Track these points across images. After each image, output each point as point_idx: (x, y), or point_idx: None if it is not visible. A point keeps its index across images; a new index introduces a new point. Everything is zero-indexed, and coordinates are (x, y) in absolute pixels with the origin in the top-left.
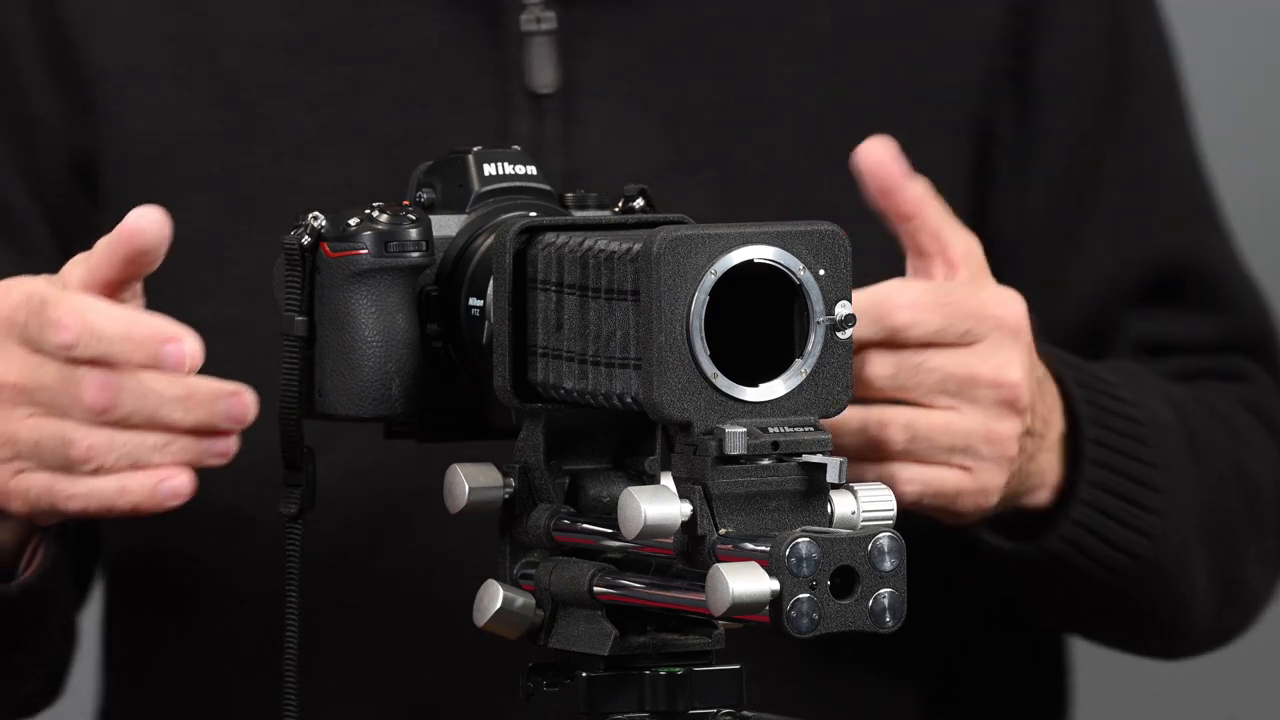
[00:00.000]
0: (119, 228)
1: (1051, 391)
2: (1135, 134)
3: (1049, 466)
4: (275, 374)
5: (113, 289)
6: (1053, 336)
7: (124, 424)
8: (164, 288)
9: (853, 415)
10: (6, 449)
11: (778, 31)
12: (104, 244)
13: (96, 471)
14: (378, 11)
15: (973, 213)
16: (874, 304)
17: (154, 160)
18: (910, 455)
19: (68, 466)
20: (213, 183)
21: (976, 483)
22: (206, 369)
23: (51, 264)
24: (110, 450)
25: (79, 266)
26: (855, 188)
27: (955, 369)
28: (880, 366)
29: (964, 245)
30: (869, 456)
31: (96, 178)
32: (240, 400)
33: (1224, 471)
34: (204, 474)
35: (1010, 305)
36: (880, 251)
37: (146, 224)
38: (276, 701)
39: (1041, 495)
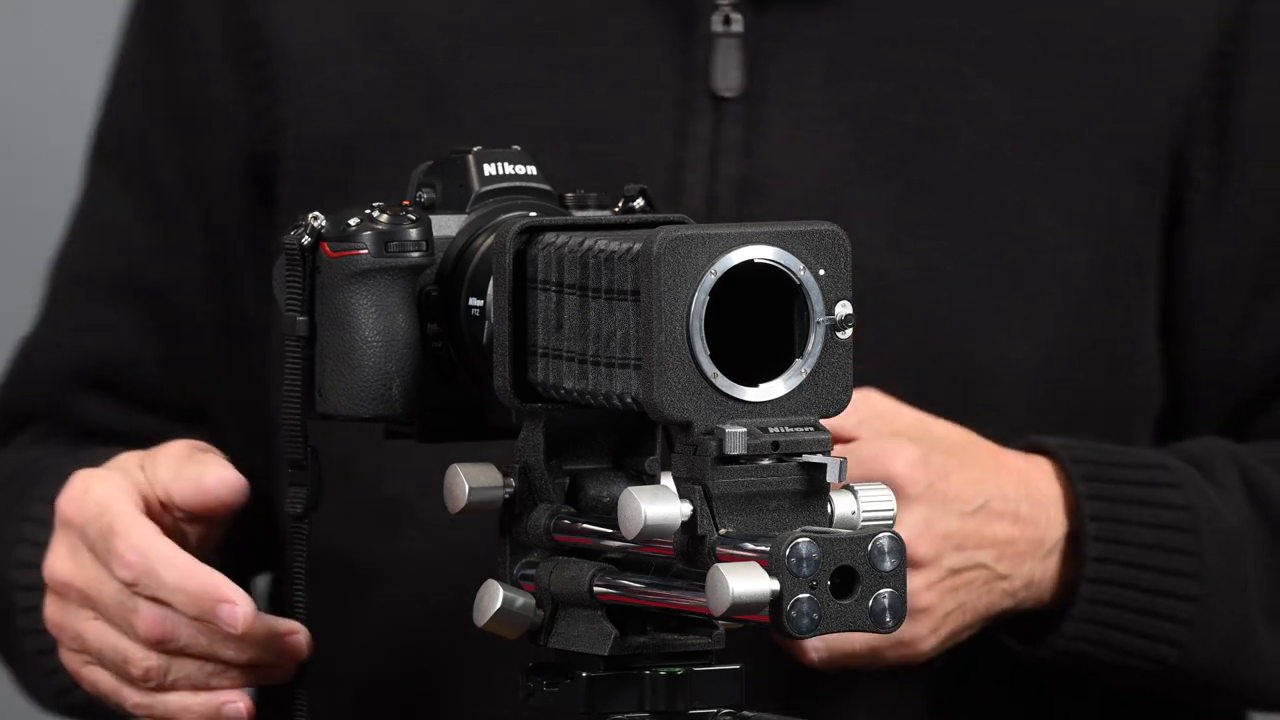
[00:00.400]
0: (198, 487)
1: (1045, 497)
2: None
3: (1041, 574)
4: None
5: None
6: (1231, 385)
7: (181, 653)
8: None
9: None
10: (75, 642)
11: (973, 49)
12: (188, 483)
13: (158, 688)
14: (572, 3)
15: (1161, 253)
16: None
17: (335, 144)
18: None
19: (129, 680)
20: (394, 169)
21: (892, 639)
22: None
23: (195, 248)
24: (167, 673)
25: (170, 468)
26: (1042, 214)
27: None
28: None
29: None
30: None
31: (271, 175)
32: (295, 640)
33: None
34: (365, 469)
35: (888, 461)
36: (1054, 281)
37: (223, 490)
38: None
39: (1039, 602)
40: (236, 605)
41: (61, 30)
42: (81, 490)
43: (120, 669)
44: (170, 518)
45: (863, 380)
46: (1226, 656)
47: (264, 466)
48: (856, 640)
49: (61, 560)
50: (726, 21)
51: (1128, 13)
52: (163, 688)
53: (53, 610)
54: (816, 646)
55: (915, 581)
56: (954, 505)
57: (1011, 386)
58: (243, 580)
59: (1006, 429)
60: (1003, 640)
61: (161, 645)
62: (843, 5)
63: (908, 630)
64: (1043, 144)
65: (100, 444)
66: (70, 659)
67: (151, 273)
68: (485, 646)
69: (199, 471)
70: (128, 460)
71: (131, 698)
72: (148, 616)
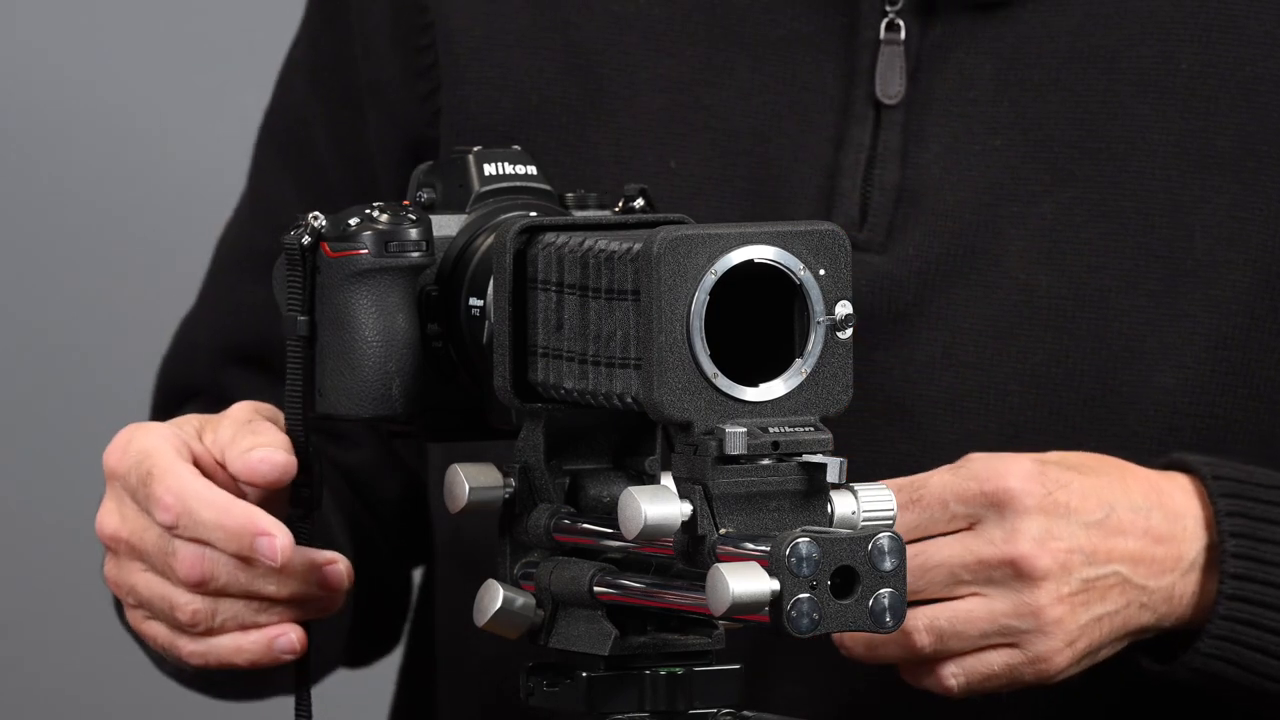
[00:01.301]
0: (245, 461)
1: (1182, 510)
2: None
3: (1182, 590)
4: None
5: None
6: None
7: (222, 593)
8: None
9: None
10: (131, 596)
11: (1137, 69)
12: (238, 452)
13: (208, 632)
14: (737, 2)
15: None
16: None
17: (496, 131)
18: (947, 653)
19: (179, 627)
20: (552, 159)
21: (1027, 655)
22: None
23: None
24: (214, 615)
25: (229, 431)
26: (1199, 242)
27: (958, 557)
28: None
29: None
30: (913, 662)
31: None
32: (335, 570)
33: None
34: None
35: (999, 477)
36: (1211, 307)
37: (264, 468)
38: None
39: (1181, 619)
40: (275, 537)
41: (63, 28)
42: (125, 441)
43: (170, 617)
44: (228, 480)
45: (1004, 396)
46: None
47: (415, 457)
48: (994, 662)
49: (110, 514)
50: (892, 28)
51: None
52: (212, 631)
53: (110, 568)
54: (955, 673)
55: (1042, 595)
56: (1076, 516)
57: (1153, 412)
58: (403, 575)
59: (1145, 454)
60: (1138, 659)
61: (203, 587)
62: (1009, 19)
63: (1042, 645)
64: (1198, 168)
65: None
66: (133, 616)
67: None
68: None
69: (250, 443)
70: (188, 418)
71: (185, 646)
72: (185, 558)
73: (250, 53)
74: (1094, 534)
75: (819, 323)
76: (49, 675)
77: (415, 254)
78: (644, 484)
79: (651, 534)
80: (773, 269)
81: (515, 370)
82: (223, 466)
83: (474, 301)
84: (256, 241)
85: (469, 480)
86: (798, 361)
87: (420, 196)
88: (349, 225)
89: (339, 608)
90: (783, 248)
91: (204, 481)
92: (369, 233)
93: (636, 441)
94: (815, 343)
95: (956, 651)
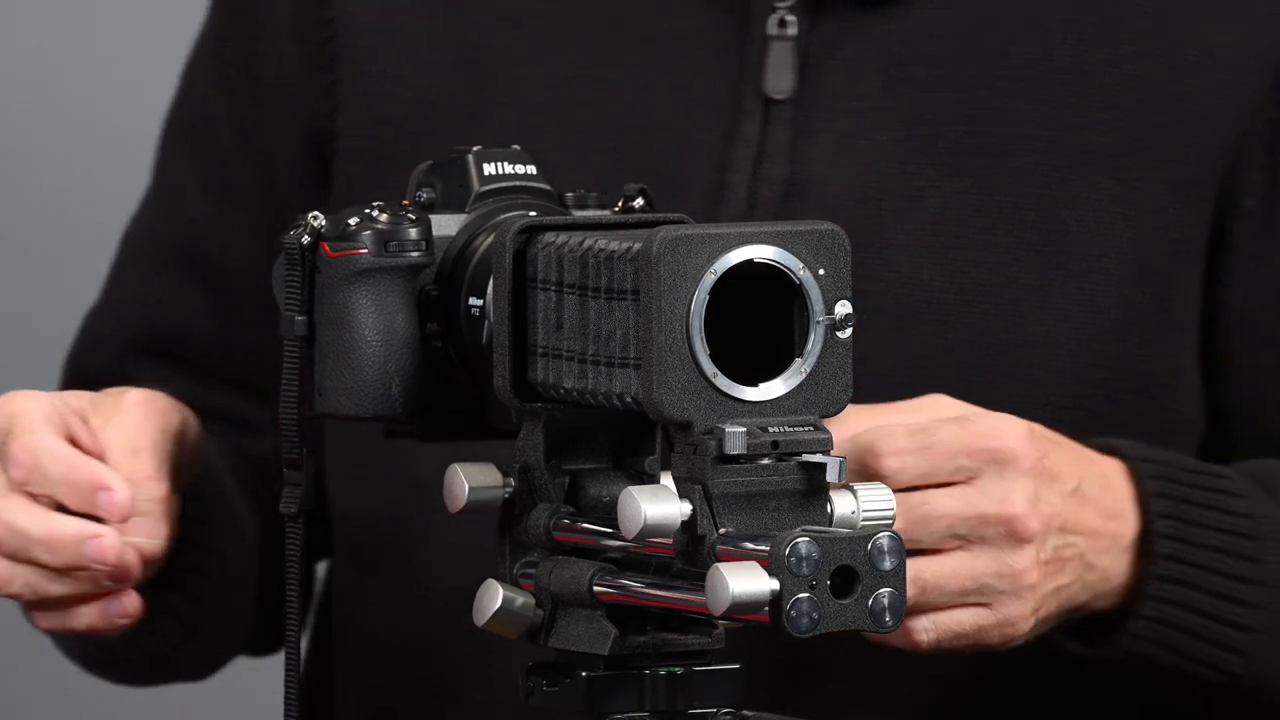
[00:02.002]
0: (92, 475)
1: (1121, 493)
2: None
3: (1116, 571)
4: None
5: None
6: (1274, 418)
7: (14, 558)
8: None
9: None
10: None
11: (1020, 66)
12: (117, 445)
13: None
14: None
15: (1204, 280)
16: (858, 452)
17: (393, 124)
18: (923, 607)
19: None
20: (443, 151)
21: (997, 617)
22: None
23: (256, 223)
24: (11, 582)
25: (118, 429)
26: (1078, 236)
27: (961, 510)
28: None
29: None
30: None
31: (330, 153)
32: (99, 544)
33: None
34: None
35: (1002, 435)
36: (1090, 302)
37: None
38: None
39: (1109, 600)
40: (114, 491)
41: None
42: (2, 403)
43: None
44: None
45: (889, 388)
46: None
47: (317, 449)
48: (965, 620)
49: None
50: (782, 24)
51: (1183, 37)
52: (51, 605)
53: None
54: (926, 628)
55: (1024, 558)
56: (1057, 484)
57: (1033, 404)
58: (308, 565)
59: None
60: (1063, 644)
61: (2, 549)
62: (897, 15)
63: (1014, 608)
64: (1075, 164)
65: None
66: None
67: (212, 245)
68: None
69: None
70: (79, 394)
71: (36, 615)
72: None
73: (160, 44)
74: (1069, 503)
75: (818, 322)
76: (44, 676)
77: (415, 253)
78: (644, 484)
79: (651, 533)
80: (772, 269)
81: (515, 370)
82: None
83: (474, 301)
84: (162, 234)
85: (469, 480)
86: (797, 361)
87: (420, 196)
88: (349, 225)
89: (135, 579)
90: (782, 247)
91: (59, 440)
92: (368, 232)
93: (636, 441)
94: (815, 342)
95: (932, 606)
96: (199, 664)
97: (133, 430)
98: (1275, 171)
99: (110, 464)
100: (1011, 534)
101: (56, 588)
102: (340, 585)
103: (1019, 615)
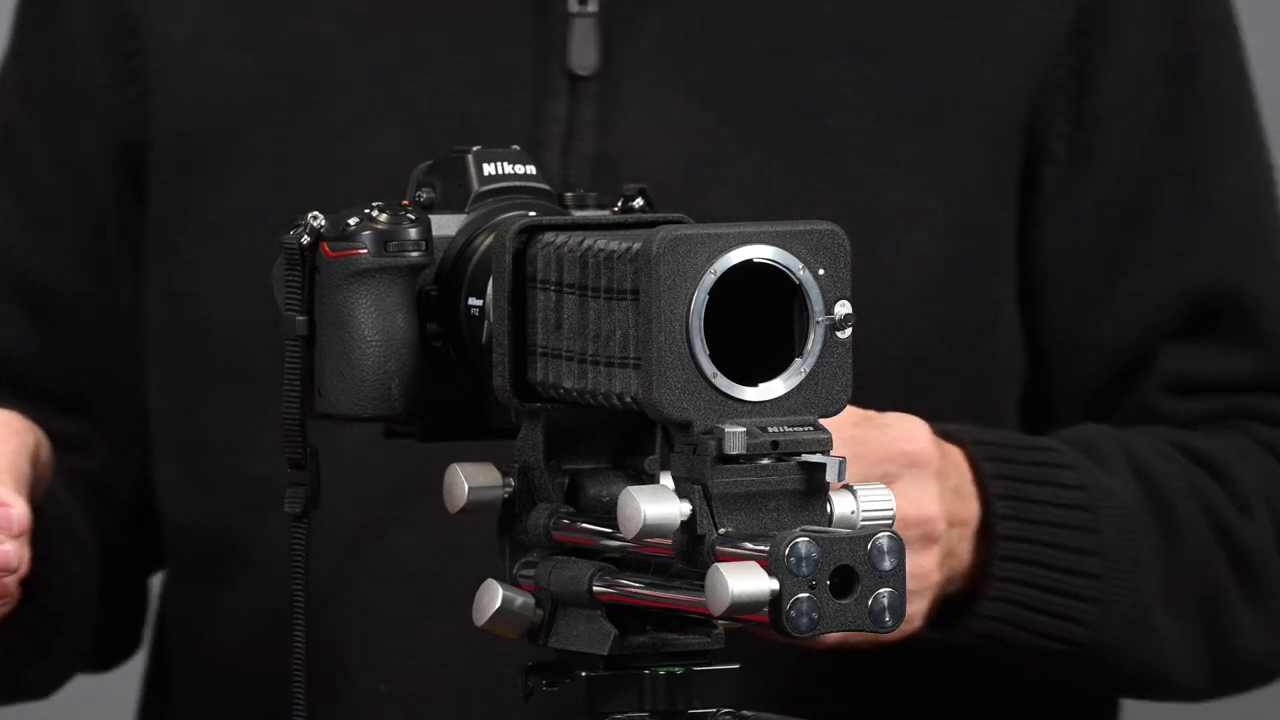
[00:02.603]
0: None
1: (965, 478)
2: (1192, 161)
3: (962, 555)
4: None
5: None
6: (1089, 362)
7: None
8: (211, 258)
9: None
10: None
11: (826, 27)
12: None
13: None
14: None
15: (1018, 227)
16: None
17: (206, 131)
18: None
19: None
20: (263, 154)
21: None
22: (249, 342)
23: (71, 239)
24: None
25: None
26: (895, 192)
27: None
28: None
29: None
30: None
31: (143, 165)
32: (5, 513)
33: (1206, 545)
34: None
35: (916, 438)
36: (911, 256)
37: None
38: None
39: (957, 584)
40: (10, 507)
41: None
42: None
43: None
44: None
45: None
46: (1130, 638)
47: (142, 456)
48: None
49: None
50: (582, 1)
51: None
52: None
53: None
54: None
55: (932, 559)
56: (945, 481)
57: (862, 361)
58: (141, 578)
59: (858, 399)
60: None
61: None
62: None
63: (916, 606)
64: (891, 119)
65: None
66: None
67: (28, 264)
68: (346, 630)
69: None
70: None
71: None
72: None
73: None
74: (952, 501)
75: (818, 322)
76: None
77: (414, 253)
78: (643, 484)
79: (651, 533)
80: (772, 269)
81: (514, 370)
82: None
83: (473, 301)
84: None
85: (468, 480)
86: (797, 361)
87: (419, 196)
88: (348, 225)
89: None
90: (782, 247)
91: None
92: (368, 232)
93: (636, 441)
94: (814, 342)
95: None
96: (45, 681)
97: None
98: (1079, 118)
99: None
100: (925, 535)
101: None
102: (172, 598)
103: (918, 612)
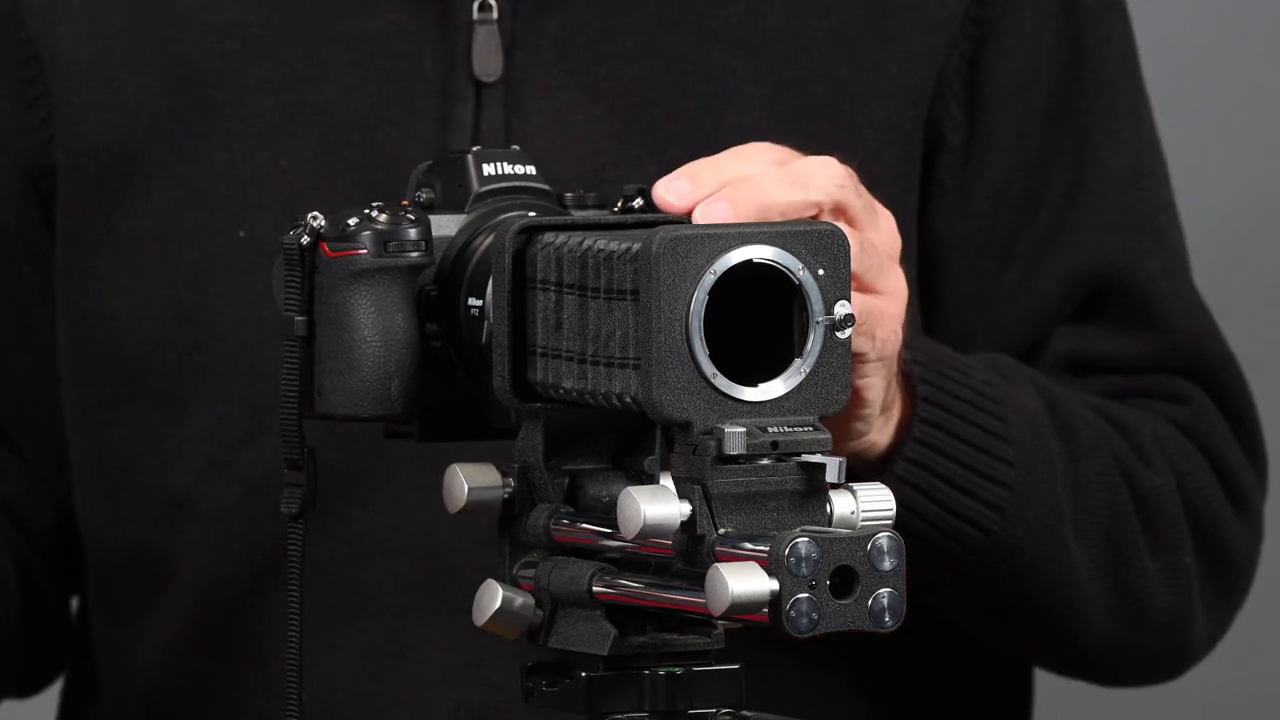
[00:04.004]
0: None
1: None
2: (1081, 145)
3: (882, 435)
4: (232, 361)
5: None
6: (986, 346)
7: None
8: (122, 277)
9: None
10: None
11: (726, 27)
12: None
13: None
14: None
15: (917, 217)
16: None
17: (111, 150)
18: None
19: None
20: (169, 171)
21: (893, 306)
22: (164, 358)
23: None
24: None
25: None
26: None
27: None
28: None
29: None
30: None
31: (49, 189)
32: None
33: (1108, 474)
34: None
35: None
36: None
37: None
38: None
39: (875, 449)
40: None
41: None
42: None
43: None
44: None
45: None
46: (1043, 541)
47: (59, 481)
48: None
49: None
50: (484, 8)
51: None
52: None
53: None
54: None
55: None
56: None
57: None
58: (62, 601)
59: None
60: None
61: None
62: None
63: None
64: (794, 116)
65: None
66: None
67: None
68: (271, 641)
69: None
70: None
71: None
72: None
73: None
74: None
75: (818, 322)
76: None
77: (414, 254)
78: (643, 484)
79: (650, 534)
80: (772, 269)
81: (514, 370)
82: None
83: (473, 301)
84: None
85: (468, 480)
86: (797, 361)
87: (419, 196)
88: (348, 225)
89: None
90: (781, 247)
91: None
92: (368, 233)
93: (636, 441)
94: (814, 342)
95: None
96: None
97: None
98: (972, 106)
99: None
100: (892, 256)
101: None
102: (100, 621)
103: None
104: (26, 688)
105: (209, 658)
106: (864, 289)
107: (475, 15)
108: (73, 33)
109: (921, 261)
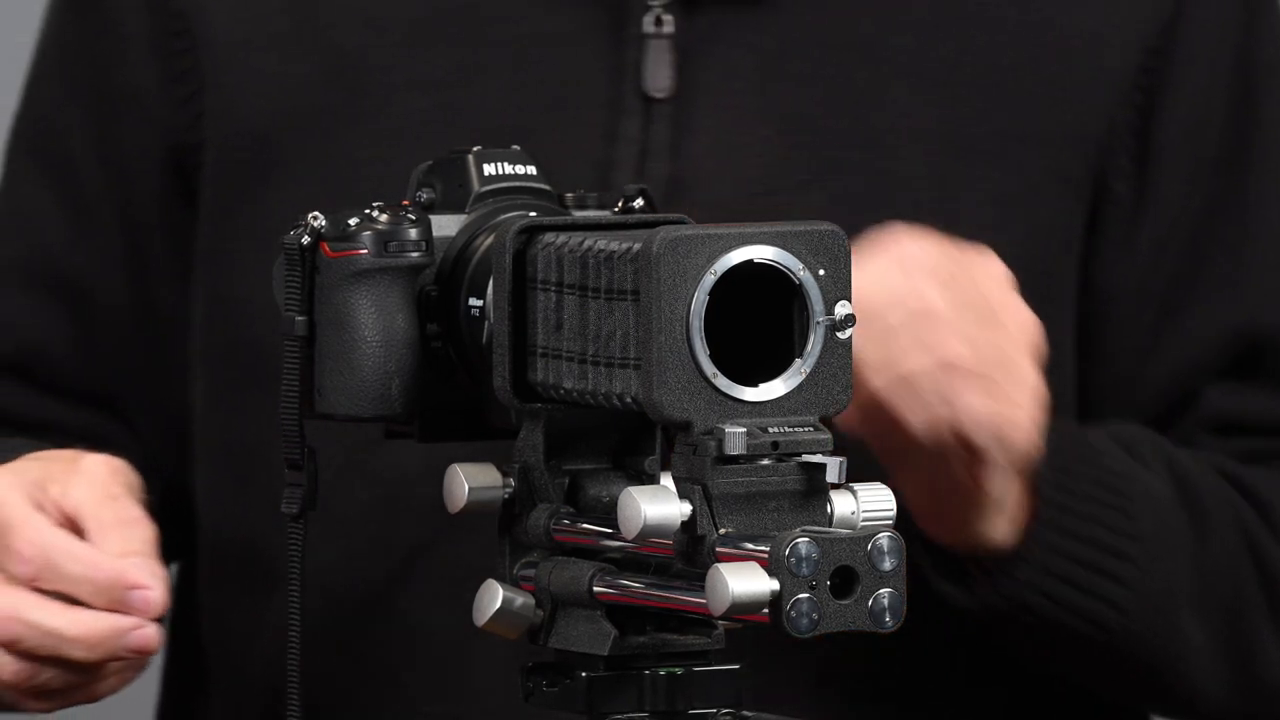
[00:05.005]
0: (119, 574)
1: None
2: (1248, 201)
3: (1004, 532)
4: None
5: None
6: (1137, 401)
7: (32, 656)
8: (259, 264)
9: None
10: None
11: (902, 57)
12: (112, 523)
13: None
14: (498, 1)
15: (1080, 265)
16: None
17: (258, 135)
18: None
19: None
20: (314, 161)
21: (1025, 410)
22: None
23: (113, 238)
24: (36, 676)
25: (85, 485)
26: (963, 228)
27: (995, 299)
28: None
29: None
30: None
31: (193, 166)
32: (143, 635)
33: (1236, 554)
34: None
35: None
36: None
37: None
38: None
39: (999, 527)
40: (150, 589)
41: None
42: None
43: None
44: (75, 531)
45: None
46: (1158, 630)
47: (178, 458)
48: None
49: None
50: (658, 22)
51: (1051, 25)
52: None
53: None
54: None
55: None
56: None
57: None
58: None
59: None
60: (942, 590)
61: (13, 647)
62: (772, 10)
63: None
64: (961, 154)
65: (13, 432)
66: None
67: (67, 262)
68: (397, 642)
69: (121, 542)
70: (24, 465)
71: (29, 702)
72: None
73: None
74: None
75: (818, 323)
76: None
77: (415, 254)
78: (643, 484)
79: (651, 534)
80: (772, 269)
81: (515, 370)
82: (70, 522)
83: (473, 301)
84: (16, 251)
85: (468, 480)
86: (797, 362)
87: (420, 196)
88: (348, 225)
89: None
90: (782, 248)
91: (64, 534)
92: (368, 233)
93: (636, 441)
94: (815, 343)
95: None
96: None
97: (104, 482)
98: (1142, 156)
99: (90, 519)
100: (1022, 353)
101: (80, 677)
102: (208, 595)
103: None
104: None
105: (332, 656)
106: (991, 395)
107: (649, 29)
108: (227, 11)
109: (1081, 311)
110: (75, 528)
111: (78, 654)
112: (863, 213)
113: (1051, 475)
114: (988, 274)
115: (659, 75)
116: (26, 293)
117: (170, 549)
